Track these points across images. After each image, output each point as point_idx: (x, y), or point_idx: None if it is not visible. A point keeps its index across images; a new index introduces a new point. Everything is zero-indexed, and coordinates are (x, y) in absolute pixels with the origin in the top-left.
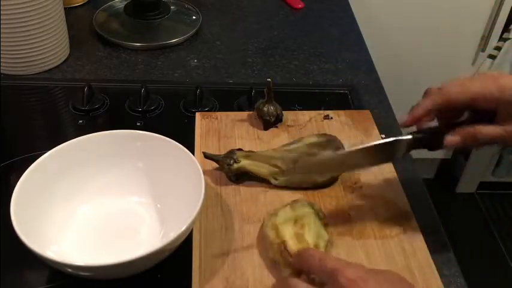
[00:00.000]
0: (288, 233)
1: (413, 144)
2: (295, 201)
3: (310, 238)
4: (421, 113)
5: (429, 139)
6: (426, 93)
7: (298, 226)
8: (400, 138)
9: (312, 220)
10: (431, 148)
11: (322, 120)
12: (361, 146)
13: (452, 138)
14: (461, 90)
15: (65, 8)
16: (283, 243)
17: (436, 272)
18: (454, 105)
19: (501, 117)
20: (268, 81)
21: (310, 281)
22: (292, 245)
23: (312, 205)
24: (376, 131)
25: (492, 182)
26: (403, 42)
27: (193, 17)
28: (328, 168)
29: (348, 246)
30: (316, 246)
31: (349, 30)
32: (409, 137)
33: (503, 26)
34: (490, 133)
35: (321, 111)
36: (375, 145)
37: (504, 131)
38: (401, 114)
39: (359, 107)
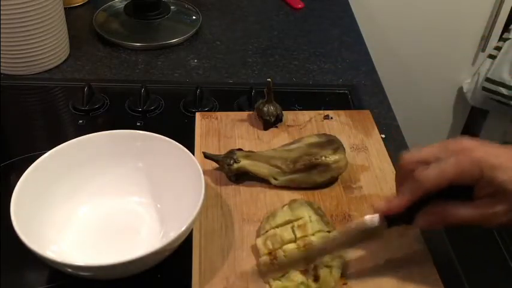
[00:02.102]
0: (288, 234)
1: (389, 224)
2: (293, 201)
3: (313, 237)
4: (398, 206)
5: (403, 218)
6: (400, 165)
7: (299, 227)
8: (375, 226)
9: (314, 218)
10: (407, 223)
11: (322, 120)
12: (339, 232)
13: (422, 221)
14: (438, 178)
15: (65, 8)
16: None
17: (436, 272)
18: (432, 191)
19: (479, 193)
20: (268, 81)
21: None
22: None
23: (310, 203)
24: (376, 131)
25: None
26: (403, 42)
27: (193, 17)
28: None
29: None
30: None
31: (349, 30)
32: (385, 223)
33: (503, 26)
34: (465, 217)
35: (321, 111)
36: (355, 230)
37: (479, 213)
38: (378, 204)
39: (359, 107)
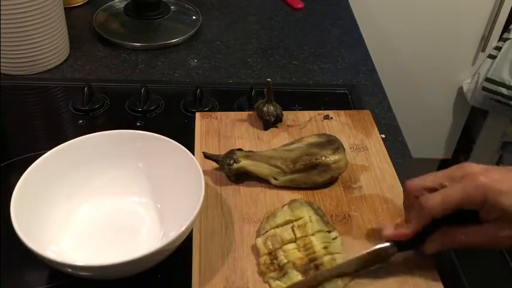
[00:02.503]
0: (288, 234)
1: (398, 249)
2: (293, 201)
3: (313, 237)
4: (406, 234)
5: (413, 243)
6: (406, 191)
7: (299, 227)
8: (385, 248)
9: (314, 218)
10: (417, 247)
11: (322, 120)
12: (354, 257)
13: (431, 246)
14: (444, 204)
15: (65, 8)
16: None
17: (436, 272)
18: (438, 217)
19: (485, 217)
20: (268, 81)
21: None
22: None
23: (310, 203)
24: (376, 131)
25: None
26: (403, 41)
27: (193, 17)
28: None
29: (348, 246)
30: (322, 242)
31: (349, 30)
32: (395, 248)
33: (503, 26)
34: (473, 241)
35: (321, 111)
36: (366, 254)
37: (486, 238)
38: (386, 226)
39: (359, 107)
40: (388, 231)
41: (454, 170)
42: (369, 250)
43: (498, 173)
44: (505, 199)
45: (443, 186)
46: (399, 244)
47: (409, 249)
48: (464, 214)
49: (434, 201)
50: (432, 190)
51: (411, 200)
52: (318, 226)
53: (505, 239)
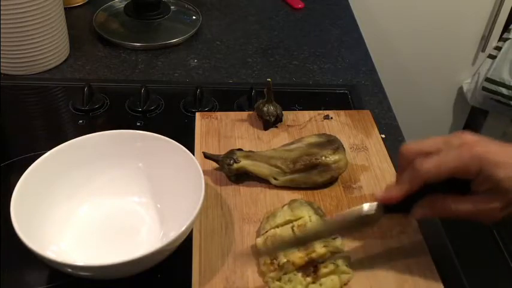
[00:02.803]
0: (288, 234)
1: (385, 211)
2: (293, 201)
3: None
4: (396, 195)
5: (400, 207)
6: (401, 154)
7: (299, 226)
8: (372, 213)
9: (314, 218)
10: (404, 212)
11: (322, 120)
12: (336, 217)
13: (420, 212)
14: (438, 169)
15: (65, 8)
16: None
17: (435, 271)
18: (431, 182)
19: (478, 188)
20: (268, 81)
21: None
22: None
23: (310, 203)
24: (376, 131)
25: None
26: (403, 42)
27: (193, 17)
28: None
29: (348, 246)
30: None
31: (349, 30)
32: (381, 211)
33: (503, 26)
34: (462, 210)
35: (321, 111)
36: (353, 217)
37: (476, 208)
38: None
39: (359, 107)
40: (379, 193)
41: (452, 138)
42: (354, 208)
43: (495, 145)
44: (500, 171)
45: (439, 151)
46: (387, 207)
47: (396, 213)
48: (456, 184)
49: (429, 165)
50: (428, 155)
51: (405, 164)
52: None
53: (494, 211)
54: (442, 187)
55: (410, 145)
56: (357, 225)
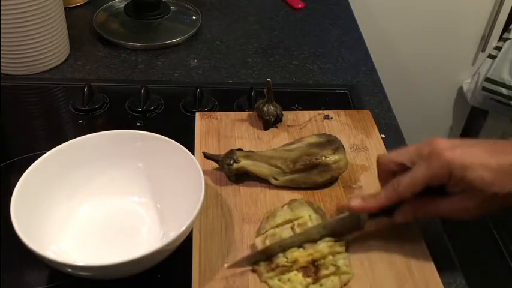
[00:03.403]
0: (287, 234)
1: (370, 216)
2: (292, 201)
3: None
4: (375, 207)
5: (383, 212)
6: (378, 166)
7: (299, 225)
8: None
9: (314, 217)
10: (388, 216)
11: (322, 120)
12: (328, 222)
13: (402, 216)
14: (413, 185)
15: (65, 8)
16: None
17: (435, 271)
18: (407, 197)
19: (452, 190)
20: (268, 81)
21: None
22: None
23: (310, 203)
24: (376, 131)
25: None
26: (403, 42)
27: (193, 17)
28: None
29: (348, 246)
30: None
31: (349, 30)
32: (365, 216)
33: (503, 26)
34: (440, 211)
35: (321, 111)
36: (339, 219)
37: (452, 208)
38: (354, 198)
39: (359, 107)
40: (355, 202)
41: (423, 147)
42: (337, 217)
43: (464, 147)
44: (469, 173)
45: (413, 163)
46: (370, 213)
47: (379, 217)
48: (435, 189)
49: (404, 184)
50: (402, 165)
51: (383, 173)
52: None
53: (471, 210)
54: (423, 192)
55: (385, 157)
56: (344, 228)
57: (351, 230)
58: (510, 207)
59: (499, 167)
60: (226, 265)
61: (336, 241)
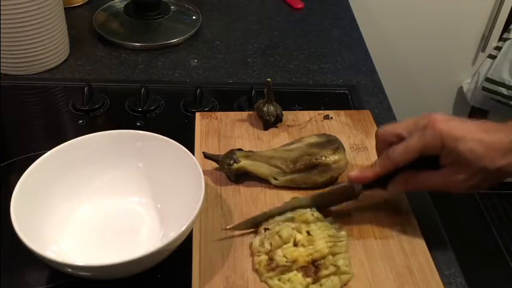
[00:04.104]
0: (286, 232)
1: (364, 187)
2: (293, 198)
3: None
4: (370, 177)
5: (377, 183)
6: (376, 138)
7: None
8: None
9: (316, 214)
10: (382, 188)
11: (322, 120)
12: (322, 192)
13: (394, 188)
14: (406, 154)
15: (65, 8)
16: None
17: (436, 271)
18: (401, 165)
19: (444, 162)
20: (268, 81)
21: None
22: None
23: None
24: None
25: None
26: (403, 42)
27: (193, 17)
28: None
29: (348, 246)
30: (327, 241)
31: (349, 30)
32: (360, 186)
33: (503, 26)
34: (431, 184)
35: (321, 111)
36: (332, 189)
37: (443, 180)
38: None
39: (359, 107)
40: (354, 173)
41: (420, 119)
42: (333, 186)
43: (456, 121)
44: (460, 144)
45: (410, 133)
46: (365, 184)
47: (373, 188)
48: (428, 161)
49: (397, 152)
50: (400, 136)
51: (381, 145)
52: (321, 223)
53: (459, 183)
54: (415, 165)
55: (384, 129)
56: (339, 198)
57: (346, 199)
58: (497, 184)
59: (490, 142)
60: (226, 227)
61: (338, 241)
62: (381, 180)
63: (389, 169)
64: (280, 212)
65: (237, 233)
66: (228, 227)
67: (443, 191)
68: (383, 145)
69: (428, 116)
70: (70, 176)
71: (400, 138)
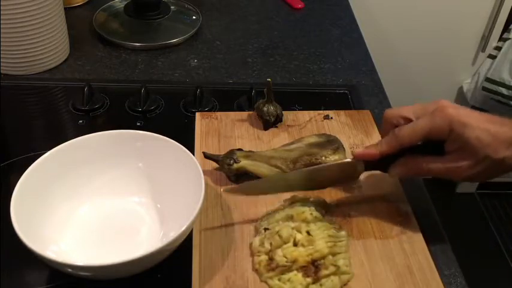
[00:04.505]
0: (286, 232)
1: (366, 168)
2: (293, 197)
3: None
4: (374, 154)
5: (380, 165)
6: (384, 118)
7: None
8: (351, 162)
9: (315, 214)
10: (384, 170)
11: (322, 120)
12: (321, 166)
13: (396, 170)
14: (412, 134)
15: (65, 8)
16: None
17: (436, 271)
18: (407, 146)
19: (449, 148)
20: (268, 81)
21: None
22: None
23: (312, 200)
24: (376, 131)
25: (492, 182)
26: (403, 42)
27: (193, 17)
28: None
29: (348, 246)
30: (327, 241)
31: (349, 30)
32: (362, 166)
33: (503, 26)
34: (433, 169)
35: (321, 111)
36: (336, 164)
37: (445, 166)
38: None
39: (359, 107)
40: (358, 150)
41: (429, 105)
42: (335, 162)
43: (466, 110)
44: (467, 131)
45: (418, 117)
46: (368, 164)
47: (375, 170)
48: (433, 147)
49: (404, 131)
50: (408, 119)
51: (388, 126)
52: (321, 223)
53: (462, 170)
54: (420, 149)
55: (392, 110)
56: (340, 176)
57: (345, 179)
58: (498, 176)
59: (496, 133)
60: (222, 189)
61: (338, 241)
62: (383, 162)
63: (395, 148)
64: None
65: (237, 232)
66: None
67: (445, 178)
68: (389, 126)
69: (437, 102)
70: (70, 176)
71: (407, 121)
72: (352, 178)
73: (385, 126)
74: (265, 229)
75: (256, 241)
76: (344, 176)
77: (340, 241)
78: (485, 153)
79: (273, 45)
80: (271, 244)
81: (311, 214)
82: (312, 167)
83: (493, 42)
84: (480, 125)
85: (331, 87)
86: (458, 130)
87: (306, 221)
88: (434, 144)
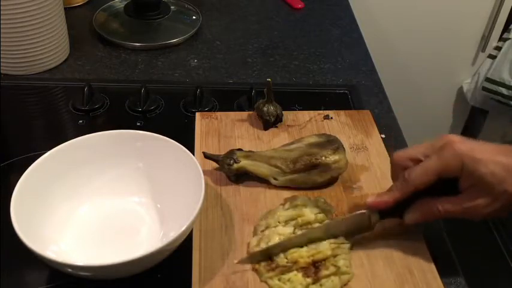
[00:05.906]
0: (288, 234)
1: (381, 216)
2: (293, 197)
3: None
4: (387, 202)
5: (395, 211)
6: (391, 163)
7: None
8: (366, 213)
9: (319, 217)
10: (400, 217)
11: (322, 120)
12: (338, 218)
13: (411, 217)
14: (425, 176)
15: (65, 8)
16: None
17: (436, 272)
18: (420, 189)
19: (463, 185)
20: (268, 81)
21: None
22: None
23: (310, 199)
24: (376, 131)
25: None
26: (403, 42)
27: (193, 17)
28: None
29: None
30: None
31: (349, 30)
32: (377, 216)
33: (503, 26)
34: (448, 210)
35: (321, 111)
36: (346, 219)
37: (462, 207)
38: (372, 195)
39: (359, 107)
40: (371, 198)
41: (436, 141)
42: (349, 215)
43: (476, 143)
44: (481, 167)
45: (426, 156)
46: (382, 212)
47: (390, 217)
48: (447, 187)
49: (415, 173)
50: (417, 160)
51: (398, 170)
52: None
53: (480, 208)
54: (434, 191)
55: (400, 153)
56: (355, 229)
57: (361, 231)
58: None
59: (510, 165)
60: (235, 261)
61: (342, 243)
62: (397, 209)
63: (408, 193)
64: (294, 244)
65: (237, 233)
66: (238, 261)
67: (462, 217)
68: (399, 170)
69: (444, 137)
70: (70, 176)
71: (417, 162)
72: (368, 228)
73: (394, 170)
74: (263, 231)
75: (253, 241)
76: (360, 227)
77: (343, 243)
78: (502, 188)
79: (273, 45)
80: (267, 244)
81: (315, 215)
82: (327, 221)
83: (493, 42)
84: (492, 159)
85: (331, 87)
86: (470, 166)
87: (308, 223)
88: (447, 184)
